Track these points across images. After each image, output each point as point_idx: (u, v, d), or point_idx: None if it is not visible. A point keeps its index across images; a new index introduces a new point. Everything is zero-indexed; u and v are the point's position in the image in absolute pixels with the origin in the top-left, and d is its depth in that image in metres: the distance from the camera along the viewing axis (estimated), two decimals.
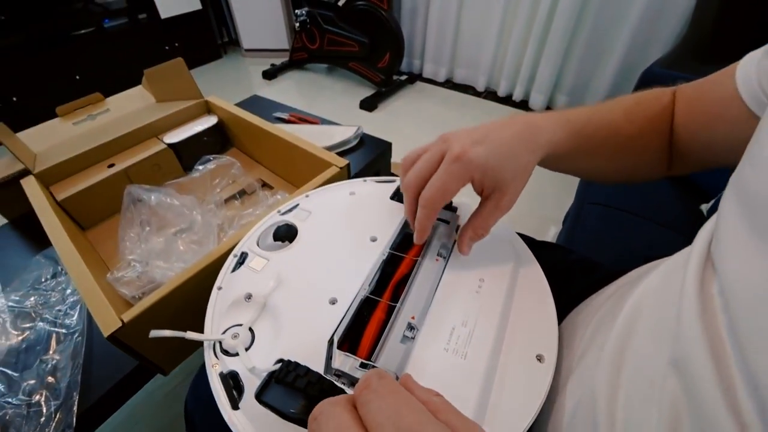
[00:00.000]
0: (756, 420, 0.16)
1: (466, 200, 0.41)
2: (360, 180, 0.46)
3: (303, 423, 0.23)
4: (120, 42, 2.18)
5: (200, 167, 0.59)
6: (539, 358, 0.29)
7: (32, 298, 0.55)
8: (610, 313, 0.31)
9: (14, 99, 1.89)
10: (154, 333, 0.28)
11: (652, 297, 0.27)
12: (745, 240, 0.21)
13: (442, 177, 0.31)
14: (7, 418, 0.40)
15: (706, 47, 1.11)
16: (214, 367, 0.28)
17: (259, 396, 0.24)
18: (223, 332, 0.30)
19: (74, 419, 0.41)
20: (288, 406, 0.23)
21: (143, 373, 0.46)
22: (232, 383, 0.27)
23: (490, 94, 2.12)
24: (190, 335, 0.29)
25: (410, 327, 0.29)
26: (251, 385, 0.26)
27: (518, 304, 0.33)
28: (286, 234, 0.37)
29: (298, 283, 0.33)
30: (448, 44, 2.08)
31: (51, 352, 0.47)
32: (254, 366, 0.27)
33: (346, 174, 0.53)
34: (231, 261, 0.36)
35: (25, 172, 0.67)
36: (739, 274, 0.21)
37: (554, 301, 0.33)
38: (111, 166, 0.65)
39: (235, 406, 0.26)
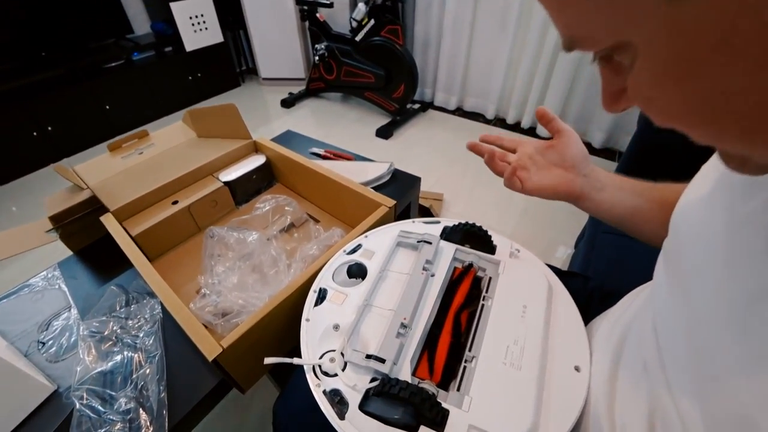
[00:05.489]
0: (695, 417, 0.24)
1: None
2: (410, 221, 0.53)
3: (404, 427, 0.29)
4: (147, 73, 2.32)
5: (261, 205, 0.67)
6: (577, 369, 0.36)
7: (110, 325, 0.61)
8: (608, 332, 0.39)
9: (49, 128, 2.01)
10: (269, 360, 0.34)
11: (637, 317, 0.35)
12: (663, 280, 0.31)
13: None
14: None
15: None
16: (318, 387, 0.34)
17: (364, 407, 0.31)
18: (320, 357, 0.36)
19: None
20: (391, 413, 0.30)
21: (220, 389, 0.52)
22: (337, 399, 0.33)
23: (499, 122, 2.22)
24: (297, 361, 0.35)
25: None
26: (353, 399, 0.33)
27: (554, 324, 0.39)
28: (358, 272, 0.44)
29: (375, 313, 0.40)
30: (458, 75, 2.19)
31: (137, 373, 0.54)
32: (355, 384, 0.33)
33: (393, 213, 0.60)
34: (312, 296, 0.43)
35: (96, 209, 0.75)
36: (659, 307, 0.30)
37: None
38: (175, 202, 0.72)
39: (342, 417, 0.32)
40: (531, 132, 2.11)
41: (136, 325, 0.61)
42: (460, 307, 0.41)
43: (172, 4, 2.20)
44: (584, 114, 1.93)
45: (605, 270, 0.81)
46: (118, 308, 0.64)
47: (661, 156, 1.06)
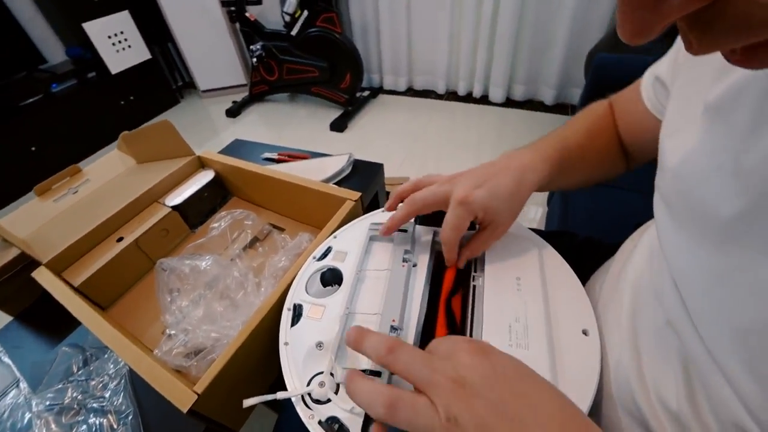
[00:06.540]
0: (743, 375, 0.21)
1: None
2: (378, 211, 0.49)
3: None
4: (72, 104, 2.13)
5: (216, 225, 0.61)
6: (585, 332, 0.33)
7: (69, 391, 0.54)
8: (615, 288, 0.37)
9: None
10: (248, 402, 0.30)
11: (645, 269, 0.33)
12: (671, 231, 0.28)
13: (452, 219, 0.36)
14: None
15: None
16: (312, 418, 0.30)
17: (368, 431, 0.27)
18: (308, 383, 0.32)
19: None
20: None
21: None
22: (336, 428, 0.29)
23: (451, 95, 2.21)
24: (281, 395, 0.31)
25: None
26: (353, 424, 0.29)
27: (553, 290, 0.37)
28: (332, 278, 0.40)
29: (360, 321, 0.36)
30: (403, 55, 2.15)
31: None
32: (353, 407, 0.29)
33: (360, 206, 0.56)
34: (287, 315, 0.38)
35: (28, 264, 0.66)
36: (673, 259, 0.28)
37: None
38: (120, 239, 0.65)
39: None
40: (484, 100, 2.11)
41: (101, 385, 0.54)
42: (450, 293, 0.38)
43: (84, 25, 2.01)
44: (531, 74, 1.95)
45: (586, 221, 0.80)
46: (75, 371, 0.56)
47: None
